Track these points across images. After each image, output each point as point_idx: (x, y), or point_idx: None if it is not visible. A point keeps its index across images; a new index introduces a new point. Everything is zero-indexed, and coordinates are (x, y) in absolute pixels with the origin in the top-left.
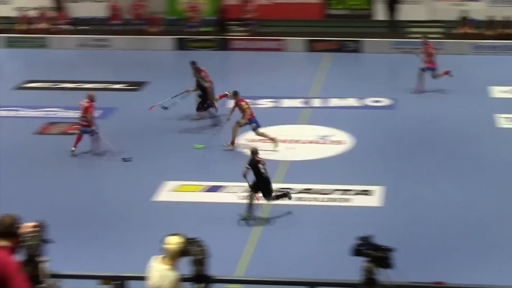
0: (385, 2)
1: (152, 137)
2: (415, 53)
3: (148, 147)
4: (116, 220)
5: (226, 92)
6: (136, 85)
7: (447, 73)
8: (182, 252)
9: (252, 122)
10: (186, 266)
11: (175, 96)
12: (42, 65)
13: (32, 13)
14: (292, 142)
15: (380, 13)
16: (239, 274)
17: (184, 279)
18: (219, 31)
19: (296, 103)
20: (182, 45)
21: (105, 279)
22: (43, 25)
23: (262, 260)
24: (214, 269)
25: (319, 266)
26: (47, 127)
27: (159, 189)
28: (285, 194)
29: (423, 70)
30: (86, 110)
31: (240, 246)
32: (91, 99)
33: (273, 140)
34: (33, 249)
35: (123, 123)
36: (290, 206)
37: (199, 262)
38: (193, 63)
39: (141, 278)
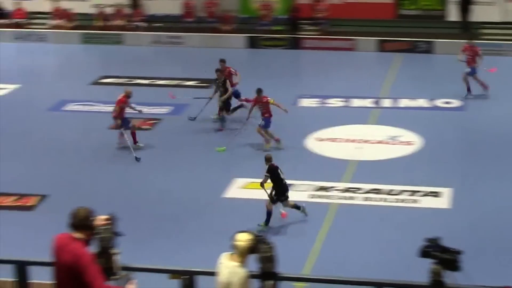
0: (458, 3)
1: (222, 134)
2: (460, 59)
3: (218, 144)
4: (187, 216)
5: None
6: (207, 82)
7: (485, 86)
8: (251, 249)
9: (265, 121)
10: (253, 263)
11: (199, 98)
12: (117, 61)
13: (108, 10)
14: (361, 142)
15: (453, 13)
16: (306, 272)
17: (253, 276)
18: (290, 30)
19: (366, 103)
20: (254, 44)
21: (175, 273)
22: (119, 22)
23: (328, 259)
24: (281, 266)
25: (386, 267)
26: None
27: (229, 186)
28: (300, 208)
29: (469, 73)
30: (117, 103)
31: (308, 244)
32: (126, 95)
33: (268, 142)
34: (106, 241)
35: (194, 120)
36: (358, 206)
37: (268, 260)
38: (222, 61)
39: (210, 274)
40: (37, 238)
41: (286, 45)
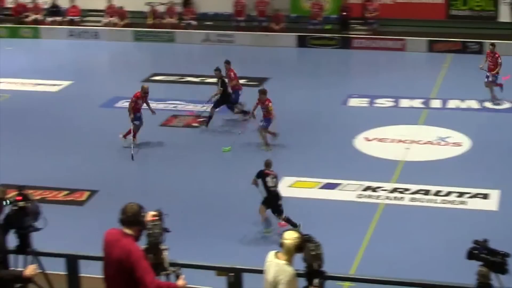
0: (510, 3)
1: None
2: (482, 68)
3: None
4: (234, 213)
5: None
6: (257, 81)
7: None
8: (298, 247)
9: (266, 121)
10: (299, 262)
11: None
12: (168, 59)
13: (161, 8)
14: (409, 143)
15: (505, 14)
16: (352, 272)
17: (299, 275)
18: (340, 29)
19: (415, 103)
20: (304, 43)
21: (221, 270)
22: (170, 20)
23: (375, 259)
24: (328, 266)
25: (433, 268)
26: (171, 120)
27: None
28: (295, 225)
29: (494, 81)
30: (132, 98)
31: (355, 244)
32: (142, 90)
33: (268, 145)
34: (156, 237)
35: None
36: (405, 206)
37: (315, 258)
38: (227, 63)
39: (257, 271)
40: (87, 233)
41: (336, 44)
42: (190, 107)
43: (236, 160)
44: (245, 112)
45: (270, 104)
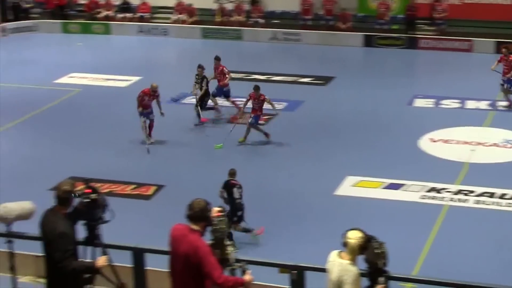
0: None
1: (336, 131)
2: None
3: (332, 141)
4: (297, 211)
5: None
6: (322, 80)
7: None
8: (362, 247)
9: (255, 118)
10: (361, 262)
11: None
12: (235, 56)
13: (229, 6)
14: (475, 144)
15: None
16: (414, 273)
17: (363, 274)
18: (407, 29)
19: (482, 105)
20: (370, 42)
21: (284, 267)
22: (238, 18)
23: (437, 261)
24: (391, 266)
25: (496, 272)
26: (237, 117)
27: (341, 183)
28: (251, 231)
29: (503, 84)
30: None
31: (418, 245)
32: (151, 89)
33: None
34: (222, 232)
35: (307, 116)
36: (469, 208)
37: (379, 257)
38: (217, 59)
39: (319, 270)
40: (153, 227)
41: (402, 44)
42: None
43: (299, 159)
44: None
45: (267, 97)
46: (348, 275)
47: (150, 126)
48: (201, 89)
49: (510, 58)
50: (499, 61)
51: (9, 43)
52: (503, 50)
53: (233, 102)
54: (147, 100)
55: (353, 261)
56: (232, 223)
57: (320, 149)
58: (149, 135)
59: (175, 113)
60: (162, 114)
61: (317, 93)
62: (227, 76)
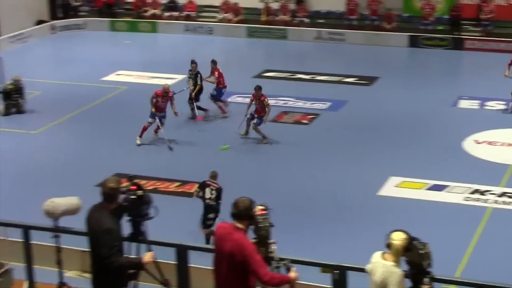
0: None
1: (380, 131)
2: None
3: (375, 141)
4: (340, 211)
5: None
6: (367, 80)
7: None
8: (407, 248)
9: (259, 119)
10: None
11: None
12: (280, 55)
13: (274, 5)
14: None
15: None
16: (456, 275)
17: (406, 276)
18: (453, 30)
19: None
20: (415, 43)
21: (326, 267)
22: (283, 17)
23: (480, 263)
24: (434, 268)
25: None
26: (281, 116)
27: (384, 184)
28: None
29: None
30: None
31: (460, 247)
32: (163, 90)
33: (265, 138)
34: (266, 231)
35: (351, 116)
36: None
37: (424, 257)
38: (213, 62)
39: (362, 270)
40: (196, 225)
41: (447, 45)
42: (300, 104)
43: (342, 158)
44: (204, 109)
45: (266, 99)
46: (393, 277)
47: (158, 127)
48: (195, 85)
49: None
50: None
51: (58, 41)
52: None
53: (221, 106)
54: (160, 102)
55: (397, 262)
56: (201, 224)
57: (363, 149)
58: (155, 131)
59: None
60: (175, 114)
61: (362, 93)
62: (219, 78)
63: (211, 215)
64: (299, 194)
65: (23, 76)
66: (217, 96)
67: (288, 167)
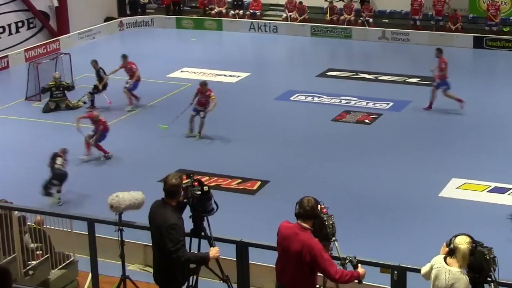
0: None
1: (442, 132)
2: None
3: (437, 142)
4: (401, 212)
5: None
6: (430, 80)
7: (460, 100)
8: (472, 252)
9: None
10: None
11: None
12: (344, 55)
13: (339, 5)
14: None
15: None
16: None
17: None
18: None
19: None
20: (480, 44)
21: (386, 267)
22: (348, 16)
23: None
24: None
25: None
26: (343, 115)
27: (446, 185)
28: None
29: (437, 86)
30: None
31: None
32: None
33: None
34: (331, 228)
35: (414, 117)
36: None
37: (490, 262)
38: (124, 56)
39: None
40: (257, 222)
41: None
42: (363, 103)
43: (403, 158)
44: (92, 102)
45: (212, 93)
46: (460, 283)
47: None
48: (100, 80)
49: (442, 62)
50: None
51: (126, 37)
52: (437, 53)
53: (131, 98)
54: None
55: (462, 268)
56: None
57: (425, 149)
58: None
59: (283, 110)
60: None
61: (425, 94)
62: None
63: (56, 181)
64: (361, 193)
65: (91, 72)
66: (132, 89)
67: (348, 166)
